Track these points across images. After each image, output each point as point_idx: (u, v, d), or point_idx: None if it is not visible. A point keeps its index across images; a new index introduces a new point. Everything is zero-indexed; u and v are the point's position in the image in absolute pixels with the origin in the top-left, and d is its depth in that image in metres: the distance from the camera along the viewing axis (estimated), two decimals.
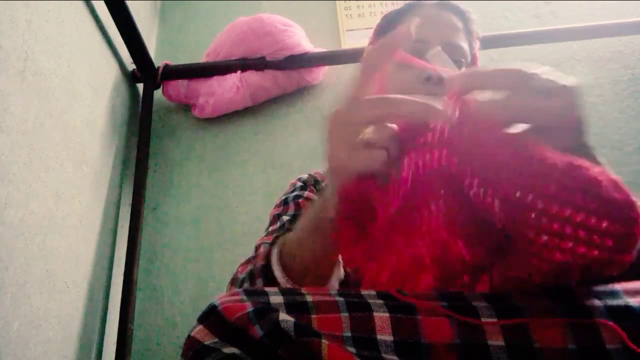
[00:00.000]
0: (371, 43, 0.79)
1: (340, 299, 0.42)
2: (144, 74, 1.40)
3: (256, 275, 0.55)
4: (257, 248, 0.63)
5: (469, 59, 0.73)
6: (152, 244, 1.27)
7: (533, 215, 0.35)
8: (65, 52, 1.03)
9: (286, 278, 0.52)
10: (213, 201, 1.32)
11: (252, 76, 1.38)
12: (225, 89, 1.37)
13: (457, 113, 0.38)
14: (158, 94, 1.44)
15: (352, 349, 0.38)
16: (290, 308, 0.41)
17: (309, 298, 0.42)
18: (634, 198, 0.32)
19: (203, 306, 0.43)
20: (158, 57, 1.55)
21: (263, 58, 1.38)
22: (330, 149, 0.41)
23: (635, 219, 0.32)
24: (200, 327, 0.41)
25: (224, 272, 1.21)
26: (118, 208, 1.25)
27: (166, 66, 1.41)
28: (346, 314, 0.40)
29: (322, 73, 1.45)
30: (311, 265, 0.52)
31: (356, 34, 1.55)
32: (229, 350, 0.38)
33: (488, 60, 1.25)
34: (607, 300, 0.38)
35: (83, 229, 1.04)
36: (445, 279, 0.42)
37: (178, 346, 1.13)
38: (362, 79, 0.39)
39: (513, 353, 0.36)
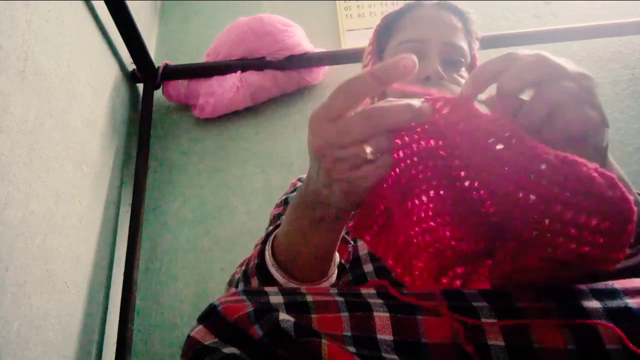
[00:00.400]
0: (371, 44, 0.79)
1: (340, 298, 0.42)
2: (144, 74, 1.40)
3: (251, 274, 0.54)
4: (256, 247, 0.63)
5: (469, 59, 0.73)
6: (152, 244, 1.27)
7: (523, 210, 0.35)
8: (65, 52, 1.03)
9: (280, 272, 0.51)
10: (213, 201, 1.32)
11: (252, 76, 1.38)
12: (225, 89, 1.37)
13: (446, 110, 0.37)
14: (158, 94, 1.44)
15: (352, 349, 0.38)
16: (290, 308, 0.41)
17: (309, 298, 0.42)
18: (629, 195, 0.31)
19: (203, 306, 0.43)
20: (158, 57, 1.55)
21: (263, 58, 1.38)
22: (335, 178, 0.40)
23: (628, 217, 0.31)
24: (200, 327, 0.41)
25: (224, 272, 1.21)
26: (118, 208, 1.25)
27: (166, 66, 1.41)
28: (346, 314, 0.40)
29: (322, 73, 1.45)
30: (304, 258, 0.50)
31: (356, 34, 1.55)
32: (228, 350, 0.38)
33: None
34: (607, 302, 0.38)
35: (83, 229, 1.04)
36: (436, 266, 0.42)
37: (178, 346, 1.13)
38: (346, 99, 0.36)
39: (513, 353, 0.36)
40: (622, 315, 0.37)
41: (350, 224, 0.45)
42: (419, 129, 0.39)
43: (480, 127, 0.36)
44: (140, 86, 1.44)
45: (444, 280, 0.43)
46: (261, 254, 0.54)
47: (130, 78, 1.41)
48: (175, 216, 1.31)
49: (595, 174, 0.31)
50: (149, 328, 1.17)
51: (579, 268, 0.36)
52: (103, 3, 1.20)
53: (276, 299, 0.42)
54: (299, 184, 0.82)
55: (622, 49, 1.46)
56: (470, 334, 0.37)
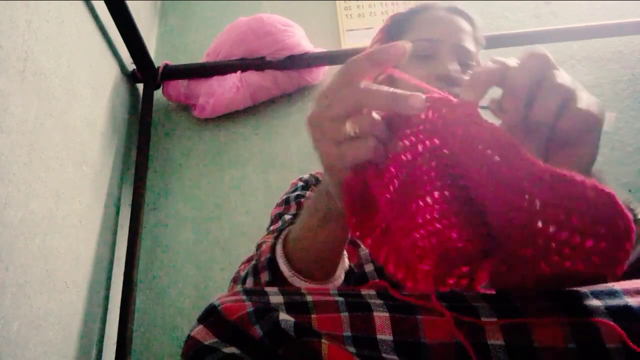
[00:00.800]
0: (379, 40, 0.79)
1: (340, 298, 0.42)
2: (144, 74, 1.40)
3: (261, 269, 0.55)
4: (258, 247, 0.63)
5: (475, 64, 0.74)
6: (152, 244, 1.27)
7: (517, 228, 0.35)
8: (65, 52, 1.03)
9: (292, 271, 0.52)
10: (213, 201, 1.32)
11: (252, 76, 1.38)
12: (225, 89, 1.37)
13: (444, 110, 0.37)
14: (158, 94, 1.44)
15: (352, 349, 0.38)
16: (290, 308, 0.41)
17: (309, 298, 0.42)
18: (627, 212, 0.30)
19: (203, 306, 0.43)
20: (158, 57, 1.55)
21: (263, 58, 1.38)
22: (318, 149, 0.39)
23: (625, 235, 0.30)
24: (201, 327, 0.41)
25: (224, 272, 1.21)
26: (118, 208, 1.25)
27: (166, 66, 1.41)
28: (346, 314, 0.40)
29: (322, 73, 1.45)
30: (314, 254, 0.52)
31: (356, 34, 1.55)
32: (229, 350, 0.38)
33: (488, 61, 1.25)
34: (607, 300, 0.38)
35: (83, 229, 1.04)
36: (443, 269, 0.42)
37: (178, 346, 1.13)
38: (340, 80, 0.37)
39: (513, 352, 0.36)
40: (623, 314, 0.37)
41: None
42: (421, 127, 0.39)
43: (478, 136, 0.35)
44: (140, 86, 1.44)
45: (450, 282, 0.43)
46: (273, 248, 0.55)
47: (130, 78, 1.41)
48: (175, 216, 1.31)
49: (592, 193, 0.31)
50: (149, 328, 1.17)
51: (576, 281, 0.36)
52: (103, 3, 1.20)
53: (276, 299, 0.42)
54: (301, 183, 0.82)
55: (622, 49, 1.46)
56: (470, 334, 0.37)
